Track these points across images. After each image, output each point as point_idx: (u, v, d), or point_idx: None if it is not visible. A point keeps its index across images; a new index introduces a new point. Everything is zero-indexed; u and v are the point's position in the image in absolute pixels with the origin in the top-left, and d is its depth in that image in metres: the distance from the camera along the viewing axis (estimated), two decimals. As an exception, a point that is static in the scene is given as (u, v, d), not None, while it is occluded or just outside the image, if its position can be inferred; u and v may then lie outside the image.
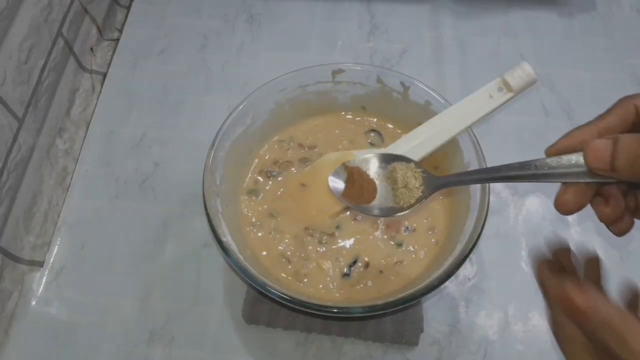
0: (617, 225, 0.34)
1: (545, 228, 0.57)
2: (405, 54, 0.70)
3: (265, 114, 0.54)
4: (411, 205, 0.44)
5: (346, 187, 0.47)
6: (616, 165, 0.30)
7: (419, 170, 0.44)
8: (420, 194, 0.44)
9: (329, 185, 0.48)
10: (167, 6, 0.74)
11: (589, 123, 0.33)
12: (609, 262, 0.55)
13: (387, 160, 0.46)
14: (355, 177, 0.47)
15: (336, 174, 0.48)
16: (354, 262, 0.50)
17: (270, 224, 0.52)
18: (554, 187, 0.35)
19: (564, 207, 0.33)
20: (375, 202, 0.46)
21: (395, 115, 0.57)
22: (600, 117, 0.33)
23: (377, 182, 0.46)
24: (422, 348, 0.50)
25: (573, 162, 0.32)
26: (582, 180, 0.32)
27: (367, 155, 0.48)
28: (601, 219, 0.33)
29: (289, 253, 0.50)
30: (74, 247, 0.56)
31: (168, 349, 0.51)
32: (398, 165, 0.46)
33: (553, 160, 0.33)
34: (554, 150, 0.34)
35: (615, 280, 0.56)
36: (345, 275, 0.49)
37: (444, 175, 0.44)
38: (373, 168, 0.47)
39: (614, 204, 0.33)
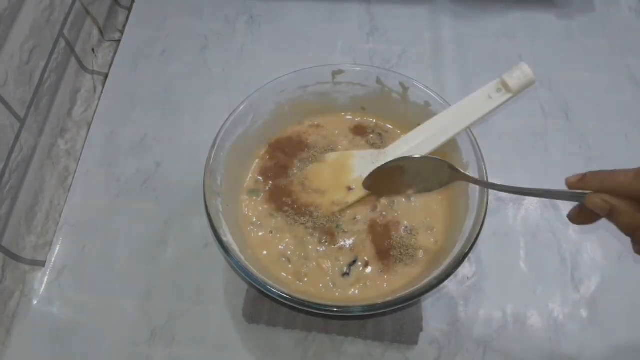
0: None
1: (544, 227, 0.57)
2: (405, 55, 0.70)
3: (265, 114, 0.55)
4: (430, 189, 0.49)
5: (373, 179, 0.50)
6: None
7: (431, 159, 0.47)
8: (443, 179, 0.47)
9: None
10: (168, 7, 0.75)
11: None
12: (607, 261, 0.55)
13: (403, 160, 0.48)
14: (384, 176, 0.49)
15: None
16: (354, 262, 0.50)
17: (270, 223, 0.52)
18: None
19: (573, 221, 0.40)
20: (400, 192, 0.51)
21: (394, 115, 0.57)
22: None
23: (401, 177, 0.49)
24: (422, 347, 0.51)
25: None
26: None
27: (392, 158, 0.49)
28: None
29: (289, 252, 0.50)
30: (75, 246, 0.56)
31: (169, 348, 0.51)
32: (413, 160, 0.48)
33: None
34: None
35: (615, 279, 0.57)
36: (345, 274, 0.49)
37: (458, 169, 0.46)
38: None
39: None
